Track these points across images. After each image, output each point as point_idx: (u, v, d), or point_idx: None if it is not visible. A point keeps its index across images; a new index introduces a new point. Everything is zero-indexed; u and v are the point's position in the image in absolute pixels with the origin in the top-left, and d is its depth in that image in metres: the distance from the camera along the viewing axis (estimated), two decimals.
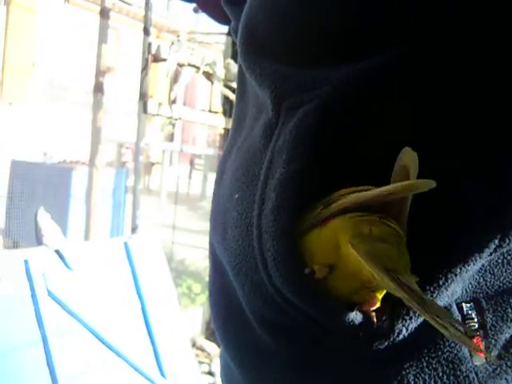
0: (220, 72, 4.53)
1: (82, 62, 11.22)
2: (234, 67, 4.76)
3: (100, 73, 4.16)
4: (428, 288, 0.52)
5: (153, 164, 13.25)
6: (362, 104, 0.56)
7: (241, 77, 0.78)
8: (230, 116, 5.18)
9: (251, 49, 0.69)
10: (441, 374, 0.55)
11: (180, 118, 4.71)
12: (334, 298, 0.53)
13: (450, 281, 0.52)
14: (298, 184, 0.56)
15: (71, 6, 11.70)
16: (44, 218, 2.84)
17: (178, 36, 4.39)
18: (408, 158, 0.50)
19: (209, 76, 4.81)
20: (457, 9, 0.54)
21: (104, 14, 4.14)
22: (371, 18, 0.57)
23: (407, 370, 0.55)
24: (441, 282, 0.52)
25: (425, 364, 0.55)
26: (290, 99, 0.61)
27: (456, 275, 0.52)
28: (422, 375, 0.55)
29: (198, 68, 4.53)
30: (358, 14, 0.58)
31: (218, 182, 0.75)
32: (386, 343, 0.54)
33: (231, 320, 0.70)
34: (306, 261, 0.54)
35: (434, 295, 0.52)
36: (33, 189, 4.53)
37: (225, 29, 5.48)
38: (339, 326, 0.55)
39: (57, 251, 2.72)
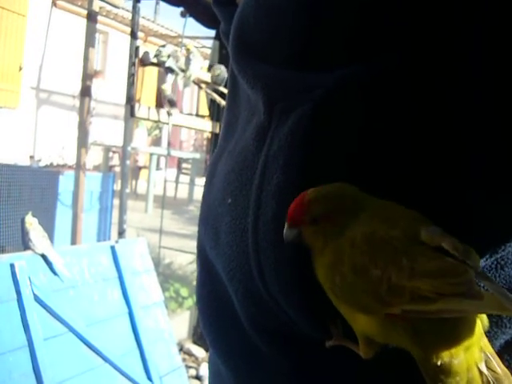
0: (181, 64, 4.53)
1: (69, 66, 11.17)
2: (222, 71, 4.77)
3: (87, 76, 4.14)
4: None
5: (140, 168, 13.19)
6: (355, 107, 0.56)
7: (232, 80, 0.77)
8: (217, 120, 5.17)
9: (243, 51, 0.69)
10: None
11: (167, 123, 4.70)
12: (330, 314, 0.53)
13: None
14: (297, 191, 0.55)
15: (59, 10, 11.65)
16: (31, 222, 2.82)
17: (188, 51, 4.45)
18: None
19: (198, 81, 4.83)
20: (445, 20, 0.55)
21: (91, 17, 4.12)
22: (367, 25, 0.57)
23: (402, 377, 0.55)
24: None
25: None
26: (282, 102, 0.61)
27: None
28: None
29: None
30: (353, 20, 0.58)
31: (208, 185, 0.75)
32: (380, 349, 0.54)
33: (223, 324, 0.70)
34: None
35: None
36: (19, 192, 4.50)
37: (212, 33, 5.49)
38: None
39: (43, 255, 2.70)
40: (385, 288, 0.45)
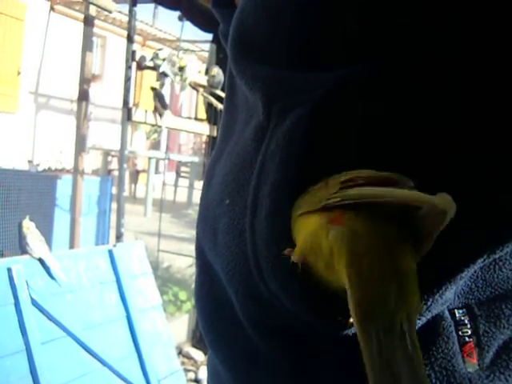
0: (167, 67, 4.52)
1: (67, 71, 11.17)
2: (219, 74, 4.77)
3: (85, 81, 4.15)
4: (423, 296, 0.51)
5: (139, 172, 13.19)
6: (354, 108, 0.56)
7: (231, 81, 0.77)
8: (214, 123, 5.17)
9: (242, 52, 0.69)
10: (434, 381, 0.55)
11: (166, 127, 4.71)
12: (333, 305, 0.52)
13: (444, 288, 0.52)
14: (292, 190, 0.55)
15: (57, 14, 11.65)
16: (28, 227, 2.82)
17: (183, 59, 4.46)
18: (444, 202, 0.44)
19: (195, 84, 4.83)
20: (445, 20, 0.55)
21: (88, 21, 4.13)
22: (366, 25, 0.57)
23: None
24: (435, 290, 0.52)
25: None
26: (281, 101, 0.61)
27: (450, 283, 0.52)
28: None
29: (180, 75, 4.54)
30: (353, 20, 0.58)
31: (206, 187, 0.75)
32: None
33: (222, 323, 0.70)
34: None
35: (429, 303, 0.52)
36: (17, 197, 4.50)
37: (210, 36, 5.50)
38: (338, 331, 0.55)
39: (40, 260, 2.70)
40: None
